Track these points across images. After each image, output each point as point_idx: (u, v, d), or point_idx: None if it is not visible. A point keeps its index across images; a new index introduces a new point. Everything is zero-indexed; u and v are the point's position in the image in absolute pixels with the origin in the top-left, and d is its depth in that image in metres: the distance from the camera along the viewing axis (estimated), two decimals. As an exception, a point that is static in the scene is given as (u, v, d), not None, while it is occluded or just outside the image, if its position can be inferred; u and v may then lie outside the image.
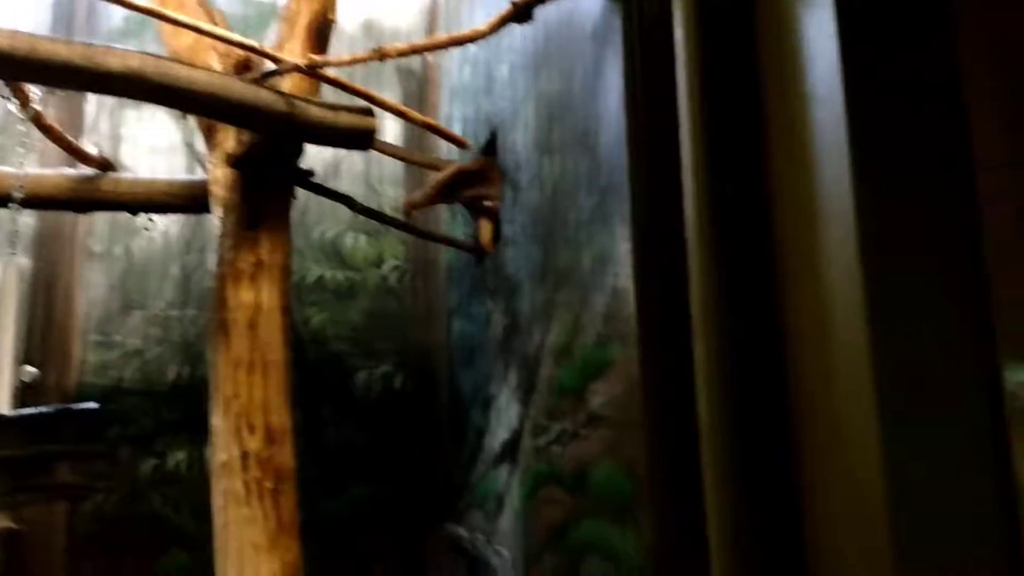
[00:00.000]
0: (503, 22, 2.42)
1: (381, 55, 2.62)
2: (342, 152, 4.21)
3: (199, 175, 3.68)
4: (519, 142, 2.98)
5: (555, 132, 2.58)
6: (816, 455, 1.58)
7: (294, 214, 3.18)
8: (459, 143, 3.43)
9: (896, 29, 1.49)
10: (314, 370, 4.21)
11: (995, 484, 1.34)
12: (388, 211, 4.24)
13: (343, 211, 3.81)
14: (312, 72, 2.94)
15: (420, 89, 4.67)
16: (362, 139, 3.08)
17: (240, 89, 2.71)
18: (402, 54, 2.68)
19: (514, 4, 2.38)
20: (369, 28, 4.64)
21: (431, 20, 4.67)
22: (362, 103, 3.05)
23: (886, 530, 1.32)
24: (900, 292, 1.38)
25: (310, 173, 3.21)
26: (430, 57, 4.60)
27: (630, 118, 2.02)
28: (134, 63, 2.52)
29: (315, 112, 2.94)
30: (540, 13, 2.53)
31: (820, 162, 1.52)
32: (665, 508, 1.83)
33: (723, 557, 1.63)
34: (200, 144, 3.65)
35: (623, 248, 2.00)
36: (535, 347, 2.69)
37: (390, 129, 4.38)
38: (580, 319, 2.28)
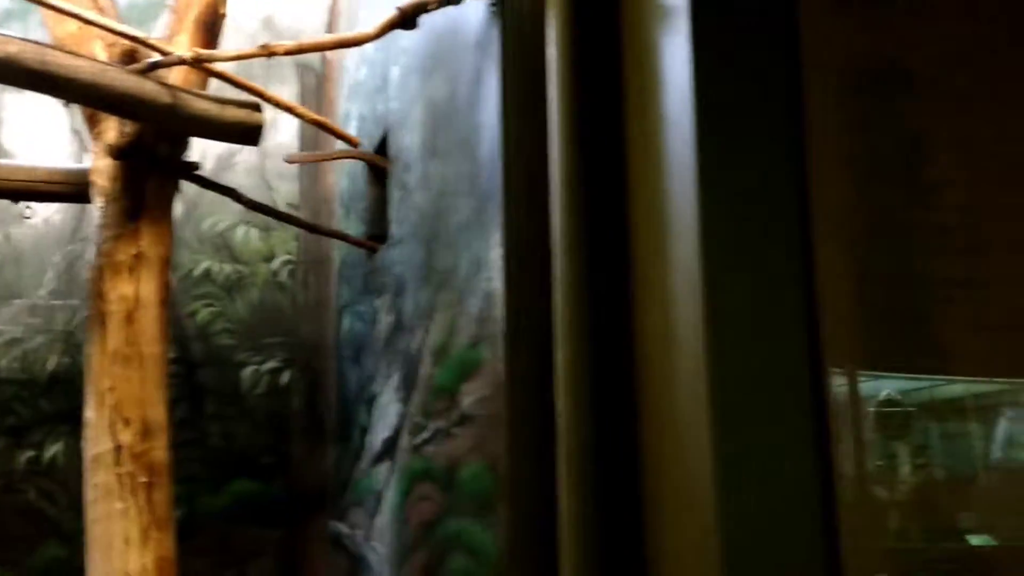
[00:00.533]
0: (389, 27, 2.46)
1: (269, 52, 2.63)
2: (236, 145, 4.18)
3: (83, 163, 3.61)
4: (408, 143, 3.01)
5: (440, 136, 2.62)
6: (658, 456, 1.66)
7: (184, 206, 3.16)
8: (349, 141, 3.45)
9: (745, 58, 1.58)
10: (199, 365, 4.18)
11: (818, 487, 1.44)
12: (282, 206, 4.23)
13: (235, 204, 3.78)
14: (199, 65, 2.92)
15: (319, 85, 4.66)
16: (250, 134, 3.08)
17: (123, 80, 2.68)
18: (289, 52, 2.69)
19: (400, 10, 2.42)
20: (269, 24, 4.61)
21: (331, 18, 4.67)
22: (252, 98, 3.05)
23: (716, 530, 1.40)
24: (736, 302, 1.47)
25: (195, 166, 3.18)
26: (329, 54, 4.60)
27: (505, 128, 2.08)
28: (12, 49, 2.48)
29: (200, 105, 2.92)
30: (428, 19, 2.57)
31: (671, 178, 1.60)
32: (521, 504, 1.90)
33: (571, 552, 1.70)
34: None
35: (495, 253, 2.05)
36: (416, 347, 2.73)
37: (286, 125, 4.37)
38: (456, 320, 2.34)
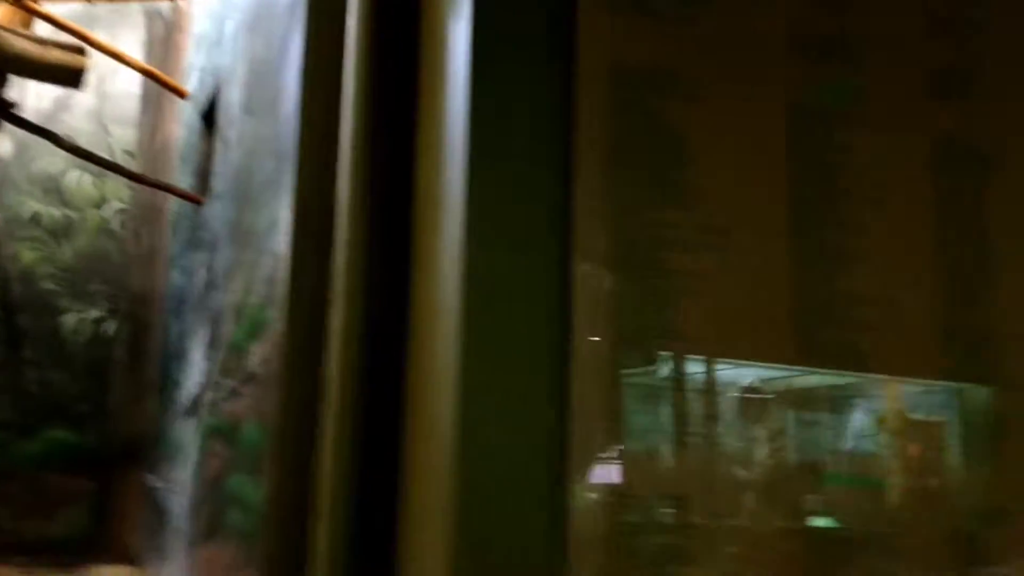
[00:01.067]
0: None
1: (84, -6, 2.57)
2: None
3: None
4: (233, 100, 2.99)
5: (255, 94, 2.62)
6: (418, 419, 1.72)
7: (15, 146, 3.06)
8: (178, 93, 3.39)
9: (522, 45, 1.63)
10: (19, 309, 4.06)
11: (553, 486, 1.52)
12: (119, 153, 4.13)
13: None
14: (22, 4, 2.84)
15: (168, 34, 4.54)
16: (72, 77, 3.01)
17: (-74, 9, 2.58)
18: (107, -3, 2.63)
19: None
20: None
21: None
22: (76, 41, 2.98)
23: (454, 490, 1.46)
24: (494, 283, 1.53)
25: (12, 104, 3.08)
26: (182, 3, 4.49)
27: (303, 92, 2.09)
28: None
29: (20, 45, 2.84)
30: (252, -24, 2.56)
31: (448, 156, 1.65)
32: (287, 461, 1.93)
33: (328, 509, 1.74)
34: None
35: (285, 215, 2.08)
36: (221, 305, 2.73)
37: (129, 71, 4.25)
38: (252, 280, 2.35)
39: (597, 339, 1.65)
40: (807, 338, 1.77)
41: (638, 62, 1.74)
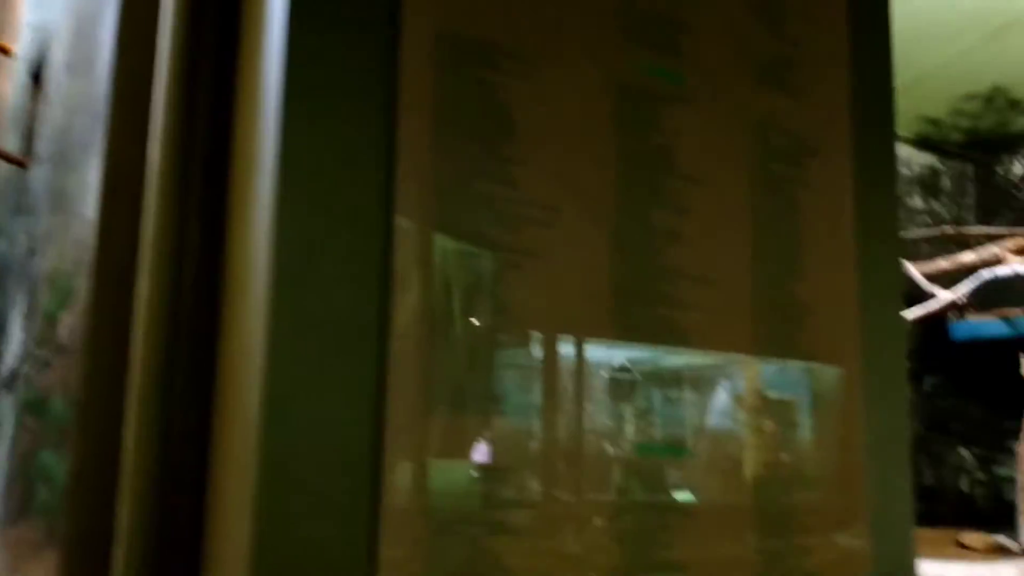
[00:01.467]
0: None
1: None
2: None
3: None
4: (57, 56, 2.84)
5: (76, 50, 2.49)
6: (227, 388, 1.67)
7: None
8: (2, 50, 3.20)
9: (342, 13, 1.60)
10: None
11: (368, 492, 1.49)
12: (-59, 111, 3.86)
13: None
14: None
15: (1, -14, 4.27)
16: None
17: None
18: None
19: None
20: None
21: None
22: None
23: (258, 462, 1.43)
24: (305, 251, 1.50)
25: None
26: (16, -48, 4.23)
27: (118, 48, 2.00)
28: None
29: None
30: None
31: (263, 120, 1.60)
32: (90, 435, 1.85)
33: (132, 485, 1.68)
34: None
35: (95, 177, 1.98)
36: (38, 272, 2.59)
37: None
38: (65, 246, 2.24)
39: (417, 311, 1.63)
40: (628, 315, 1.80)
41: (466, 32, 1.73)
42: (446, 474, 1.58)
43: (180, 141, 1.83)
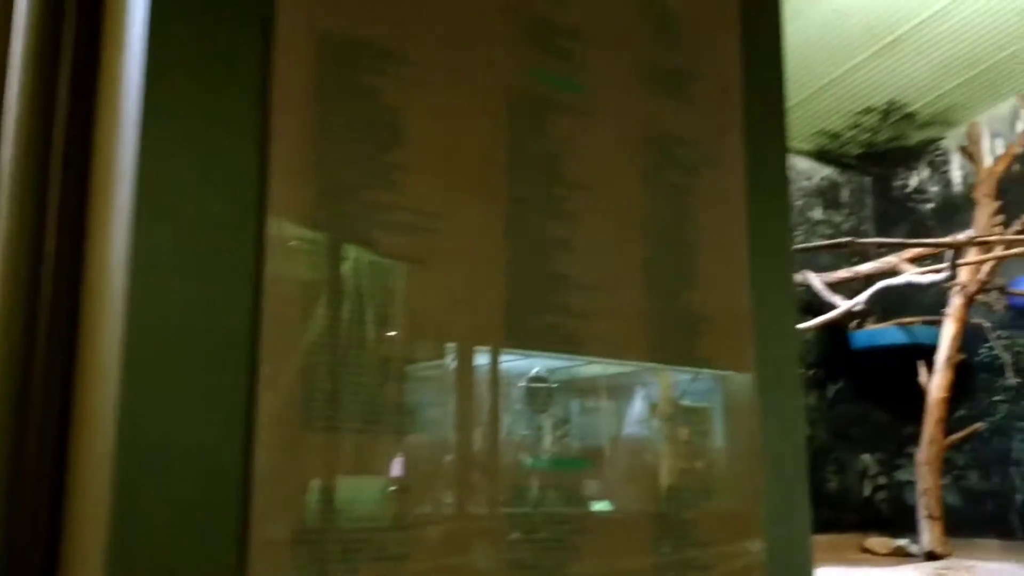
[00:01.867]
0: None
1: None
2: None
3: None
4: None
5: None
6: (82, 410, 1.57)
7: None
8: None
9: (207, 13, 1.51)
10: None
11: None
12: None
13: None
14: None
15: None
16: None
17: None
18: None
19: None
20: None
21: None
22: None
23: (114, 454, 1.33)
24: (165, 256, 1.41)
25: None
26: None
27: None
28: None
29: None
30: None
31: (123, 119, 1.51)
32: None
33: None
34: None
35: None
36: None
37: None
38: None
39: (295, 322, 1.55)
40: (521, 324, 1.75)
41: (348, 33, 1.66)
42: (325, 493, 1.50)
43: (37, 141, 1.72)
